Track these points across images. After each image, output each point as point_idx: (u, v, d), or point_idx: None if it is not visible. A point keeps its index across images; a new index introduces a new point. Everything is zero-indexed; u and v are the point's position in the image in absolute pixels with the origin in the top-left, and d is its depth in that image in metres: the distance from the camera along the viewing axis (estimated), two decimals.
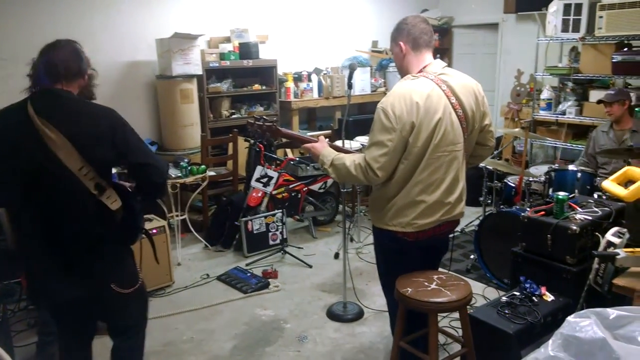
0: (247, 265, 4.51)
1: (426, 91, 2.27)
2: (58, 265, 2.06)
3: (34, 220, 2.05)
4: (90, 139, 2.00)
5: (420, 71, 2.38)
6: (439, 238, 2.51)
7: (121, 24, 5.40)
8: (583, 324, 1.47)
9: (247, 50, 5.83)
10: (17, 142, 1.99)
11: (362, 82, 6.62)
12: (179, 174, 4.62)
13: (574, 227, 2.90)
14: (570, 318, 1.51)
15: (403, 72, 2.45)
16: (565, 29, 5.35)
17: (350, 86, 3.50)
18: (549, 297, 2.86)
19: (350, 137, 5.12)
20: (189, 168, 4.68)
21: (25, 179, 2.00)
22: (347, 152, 2.63)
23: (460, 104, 2.33)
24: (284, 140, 5.65)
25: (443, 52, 7.63)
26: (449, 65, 2.56)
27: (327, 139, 2.65)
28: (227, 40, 5.98)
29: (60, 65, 2.04)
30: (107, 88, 5.33)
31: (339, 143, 3.49)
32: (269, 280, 4.19)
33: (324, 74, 6.55)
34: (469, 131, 2.40)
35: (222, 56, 5.75)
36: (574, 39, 5.39)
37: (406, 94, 2.26)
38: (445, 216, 2.38)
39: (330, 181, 5.27)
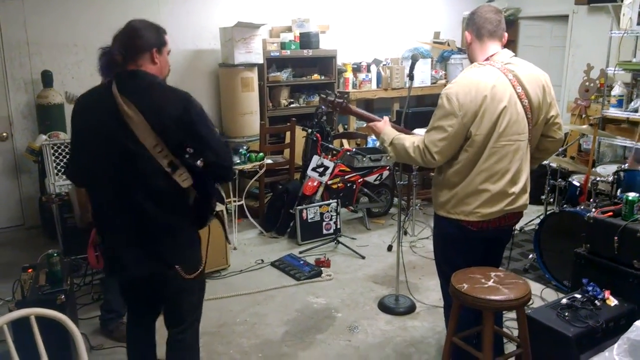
0: (300, 252, 4.56)
1: (492, 80, 2.27)
2: (129, 241, 2.12)
3: (111, 196, 2.09)
4: (163, 118, 2.02)
5: (487, 59, 2.39)
6: (503, 230, 2.48)
7: (187, 13, 5.56)
8: None
9: (307, 40, 5.86)
10: (99, 118, 2.05)
11: (423, 74, 6.51)
12: (238, 161, 4.72)
13: None
14: (638, 322, 1.45)
15: (470, 60, 2.52)
16: None
17: (411, 77, 3.45)
18: (613, 301, 2.76)
19: (409, 129, 5.05)
20: (248, 155, 4.77)
21: (107, 156, 2.06)
22: (409, 133, 2.63)
23: (526, 93, 2.31)
24: (341, 131, 5.68)
25: (508, 44, 7.35)
26: None
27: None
28: (289, 29, 6.03)
29: (119, 46, 2.07)
30: (171, 75, 5.43)
31: None
32: (322, 268, 4.22)
33: (383, 65, 6.49)
34: (534, 122, 2.38)
35: (283, 45, 5.80)
36: None
37: (471, 82, 2.28)
38: (508, 207, 2.36)
39: (385, 173, 5.24)
